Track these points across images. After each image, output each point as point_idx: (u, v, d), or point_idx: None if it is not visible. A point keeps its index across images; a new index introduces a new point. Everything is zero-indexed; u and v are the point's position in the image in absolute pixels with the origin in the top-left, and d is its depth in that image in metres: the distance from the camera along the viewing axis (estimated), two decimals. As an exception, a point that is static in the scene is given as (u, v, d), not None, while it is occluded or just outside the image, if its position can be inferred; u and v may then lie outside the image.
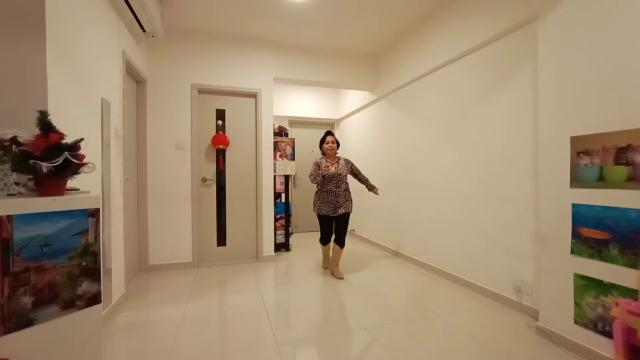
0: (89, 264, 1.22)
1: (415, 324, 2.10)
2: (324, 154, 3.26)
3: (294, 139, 4.45)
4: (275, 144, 4.14)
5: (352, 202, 3.21)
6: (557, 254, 1.83)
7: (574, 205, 1.74)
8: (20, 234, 1.00)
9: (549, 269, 1.89)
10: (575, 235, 1.73)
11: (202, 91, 3.55)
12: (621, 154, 1.53)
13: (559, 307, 1.83)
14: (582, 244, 1.70)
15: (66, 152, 1.16)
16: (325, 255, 3.36)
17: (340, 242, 3.16)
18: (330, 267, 3.22)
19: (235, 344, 1.87)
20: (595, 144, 1.64)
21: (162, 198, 3.36)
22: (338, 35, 3.64)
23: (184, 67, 3.44)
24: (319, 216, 3.20)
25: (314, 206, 3.22)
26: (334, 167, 3.14)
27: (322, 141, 3.26)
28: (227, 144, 3.60)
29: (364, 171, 4.69)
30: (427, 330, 2.02)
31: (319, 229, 3.28)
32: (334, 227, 3.19)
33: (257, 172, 3.72)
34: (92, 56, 2.00)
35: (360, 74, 4.23)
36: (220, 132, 3.62)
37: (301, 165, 5.38)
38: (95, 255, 1.24)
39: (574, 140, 1.74)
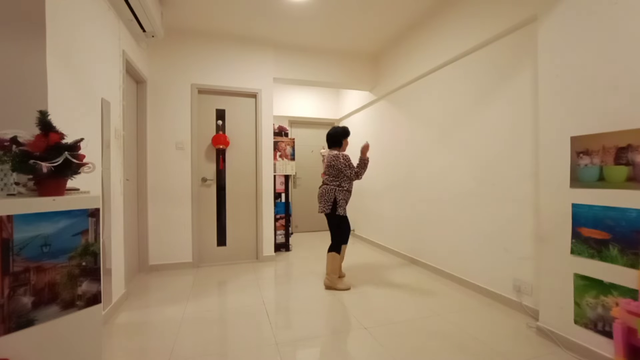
0: (89, 264, 1.22)
1: (415, 324, 2.10)
2: (336, 147, 2.90)
3: (294, 139, 4.45)
4: (275, 144, 4.14)
5: None
6: (557, 254, 1.83)
7: (574, 205, 1.74)
8: (20, 234, 1.00)
9: (549, 269, 1.89)
10: (575, 235, 1.73)
11: (202, 91, 3.55)
12: (621, 154, 1.53)
13: (559, 307, 1.83)
14: (582, 244, 1.70)
15: (66, 152, 1.16)
16: (339, 262, 2.86)
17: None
18: (334, 282, 2.78)
19: (235, 344, 1.87)
20: (595, 144, 1.64)
21: (162, 198, 3.36)
22: (338, 35, 3.64)
23: (184, 67, 3.44)
24: (344, 217, 2.82)
25: (340, 207, 2.75)
26: None
27: (347, 134, 2.91)
28: (227, 144, 3.60)
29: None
30: (427, 330, 2.02)
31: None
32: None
33: (257, 172, 3.72)
34: (92, 56, 2.00)
35: (360, 74, 4.23)
36: (220, 132, 3.63)
37: (301, 165, 5.39)
38: (95, 255, 1.25)
39: (574, 140, 1.74)
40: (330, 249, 2.83)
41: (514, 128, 2.31)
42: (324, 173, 2.91)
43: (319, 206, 2.86)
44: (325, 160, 2.90)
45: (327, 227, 3.13)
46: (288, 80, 4.01)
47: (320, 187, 2.91)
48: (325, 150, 3.11)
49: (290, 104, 5.40)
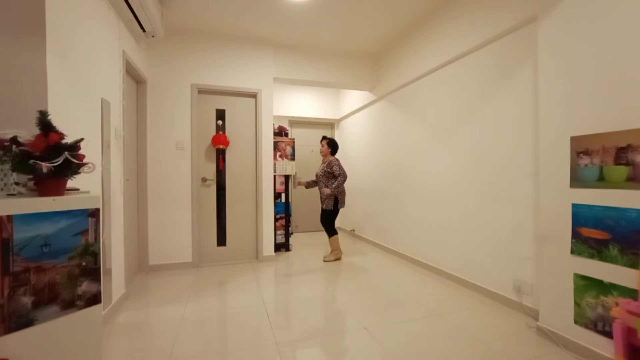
0: (89, 264, 1.22)
1: (415, 324, 2.10)
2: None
3: (294, 139, 4.45)
4: (275, 144, 4.14)
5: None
6: (557, 254, 1.83)
7: (574, 205, 1.74)
8: (20, 234, 1.00)
9: (549, 269, 1.89)
10: (575, 235, 1.73)
11: (202, 91, 3.55)
12: (621, 154, 1.53)
13: (559, 307, 1.83)
14: (582, 244, 1.70)
15: (66, 152, 1.16)
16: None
17: None
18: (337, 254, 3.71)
19: (235, 344, 1.87)
20: (595, 144, 1.64)
21: (162, 198, 3.36)
22: (338, 35, 3.64)
23: (184, 67, 3.44)
24: (338, 211, 3.75)
25: (340, 203, 3.67)
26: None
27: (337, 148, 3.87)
28: (227, 144, 3.60)
29: (365, 171, 4.71)
30: (427, 330, 2.02)
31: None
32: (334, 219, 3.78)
33: (257, 172, 3.72)
34: (92, 56, 2.00)
35: (361, 73, 4.23)
36: (220, 132, 3.62)
37: (301, 165, 5.38)
38: (95, 255, 1.25)
39: (574, 140, 1.74)
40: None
41: (515, 128, 2.31)
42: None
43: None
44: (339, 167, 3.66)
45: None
46: (288, 80, 4.01)
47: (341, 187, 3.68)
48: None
49: (290, 104, 5.40)
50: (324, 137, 3.84)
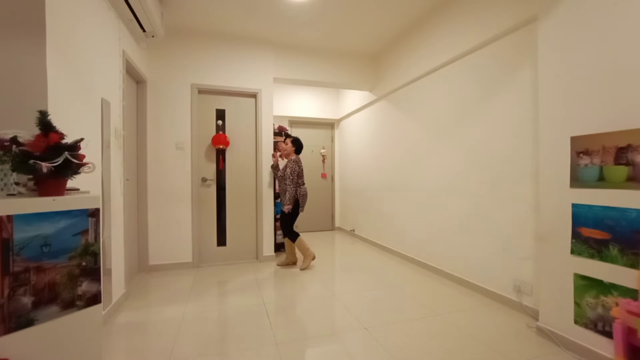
0: (89, 264, 1.22)
1: (415, 324, 2.10)
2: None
3: (294, 139, 4.44)
4: (275, 144, 4.14)
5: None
6: (557, 254, 1.83)
7: (574, 205, 1.74)
8: (20, 234, 1.00)
9: (549, 269, 1.89)
10: (575, 235, 1.73)
11: (202, 91, 3.55)
12: (621, 154, 1.53)
13: (559, 307, 1.83)
14: (582, 244, 1.70)
15: (66, 152, 1.16)
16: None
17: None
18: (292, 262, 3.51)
19: (235, 344, 1.87)
20: (595, 144, 1.64)
21: (162, 198, 3.36)
22: (338, 35, 3.64)
23: (184, 67, 3.44)
24: (297, 214, 3.46)
25: (300, 207, 3.44)
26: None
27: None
28: (227, 144, 3.60)
29: (365, 170, 4.68)
30: (427, 330, 2.02)
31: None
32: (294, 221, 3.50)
33: (257, 172, 3.72)
34: (92, 56, 2.00)
35: (360, 73, 4.23)
36: (220, 132, 3.63)
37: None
38: (95, 255, 1.25)
39: (574, 140, 1.74)
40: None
41: (515, 128, 2.31)
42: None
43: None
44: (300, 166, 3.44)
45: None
46: (288, 80, 4.01)
47: (304, 189, 3.46)
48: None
49: (290, 104, 5.40)
50: (288, 136, 3.57)
